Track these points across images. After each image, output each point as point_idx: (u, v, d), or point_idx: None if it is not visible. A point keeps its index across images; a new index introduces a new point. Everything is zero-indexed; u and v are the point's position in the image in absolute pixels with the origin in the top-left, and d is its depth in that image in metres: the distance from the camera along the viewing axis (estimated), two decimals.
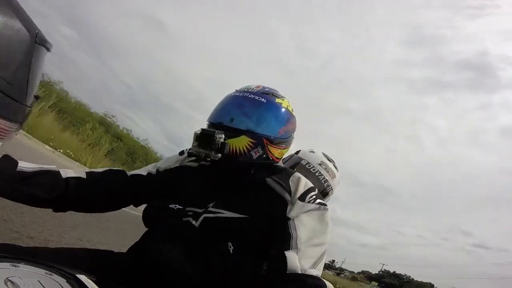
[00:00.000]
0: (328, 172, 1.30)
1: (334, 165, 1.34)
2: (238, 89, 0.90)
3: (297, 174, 0.87)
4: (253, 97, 0.84)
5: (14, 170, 0.71)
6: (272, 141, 0.84)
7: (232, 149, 0.80)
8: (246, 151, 0.81)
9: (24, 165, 0.74)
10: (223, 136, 0.78)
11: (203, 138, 0.79)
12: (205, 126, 0.87)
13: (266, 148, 0.83)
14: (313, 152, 1.34)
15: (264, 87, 0.89)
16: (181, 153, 0.96)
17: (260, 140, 0.82)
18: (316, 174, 1.28)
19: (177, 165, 0.93)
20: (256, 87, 0.88)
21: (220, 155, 0.78)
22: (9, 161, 0.72)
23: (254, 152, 0.82)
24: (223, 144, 0.78)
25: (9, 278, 0.47)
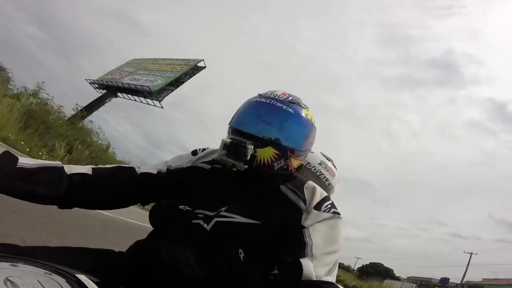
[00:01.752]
0: (328, 171, 1.31)
1: (333, 164, 1.35)
2: (261, 93, 0.89)
3: (311, 182, 0.87)
4: (281, 106, 0.83)
5: (15, 166, 0.70)
6: (294, 153, 0.84)
7: (258, 159, 0.80)
8: (270, 162, 0.81)
9: (25, 161, 0.73)
10: (253, 147, 0.79)
11: (233, 148, 0.79)
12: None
13: (289, 160, 0.84)
14: (311, 152, 1.35)
15: (289, 95, 0.88)
16: (194, 152, 0.95)
17: (284, 152, 0.82)
18: (317, 173, 1.28)
19: (189, 165, 0.92)
20: (281, 94, 0.87)
21: (246, 166, 0.79)
22: (9, 158, 0.71)
23: (277, 163, 0.82)
24: (253, 155, 0.79)
25: (8, 278, 0.46)
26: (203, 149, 0.96)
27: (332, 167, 1.34)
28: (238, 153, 0.78)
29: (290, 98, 0.87)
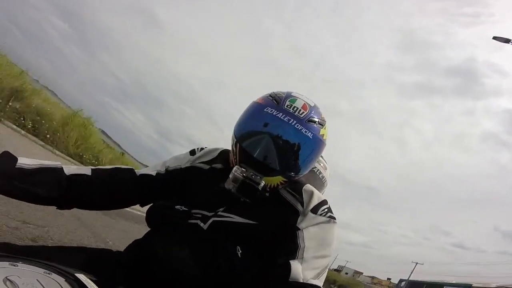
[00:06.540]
0: (320, 164, 1.33)
1: (323, 159, 1.38)
2: (277, 99, 0.80)
3: (310, 185, 0.88)
4: (300, 129, 0.77)
5: (14, 167, 0.71)
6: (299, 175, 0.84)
7: (266, 185, 0.78)
8: (276, 186, 0.82)
9: (24, 161, 0.73)
10: (263, 184, 0.75)
11: (244, 186, 0.74)
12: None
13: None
14: None
15: (310, 109, 0.81)
16: (192, 152, 0.95)
17: (291, 178, 0.82)
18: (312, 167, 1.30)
19: (187, 165, 0.92)
20: (302, 108, 0.80)
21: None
22: (8, 158, 0.72)
23: (282, 187, 0.83)
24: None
25: (8, 277, 0.47)
26: (201, 149, 0.96)
27: (324, 161, 1.37)
28: (249, 191, 0.74)
29: (312, 113, 0.81)
